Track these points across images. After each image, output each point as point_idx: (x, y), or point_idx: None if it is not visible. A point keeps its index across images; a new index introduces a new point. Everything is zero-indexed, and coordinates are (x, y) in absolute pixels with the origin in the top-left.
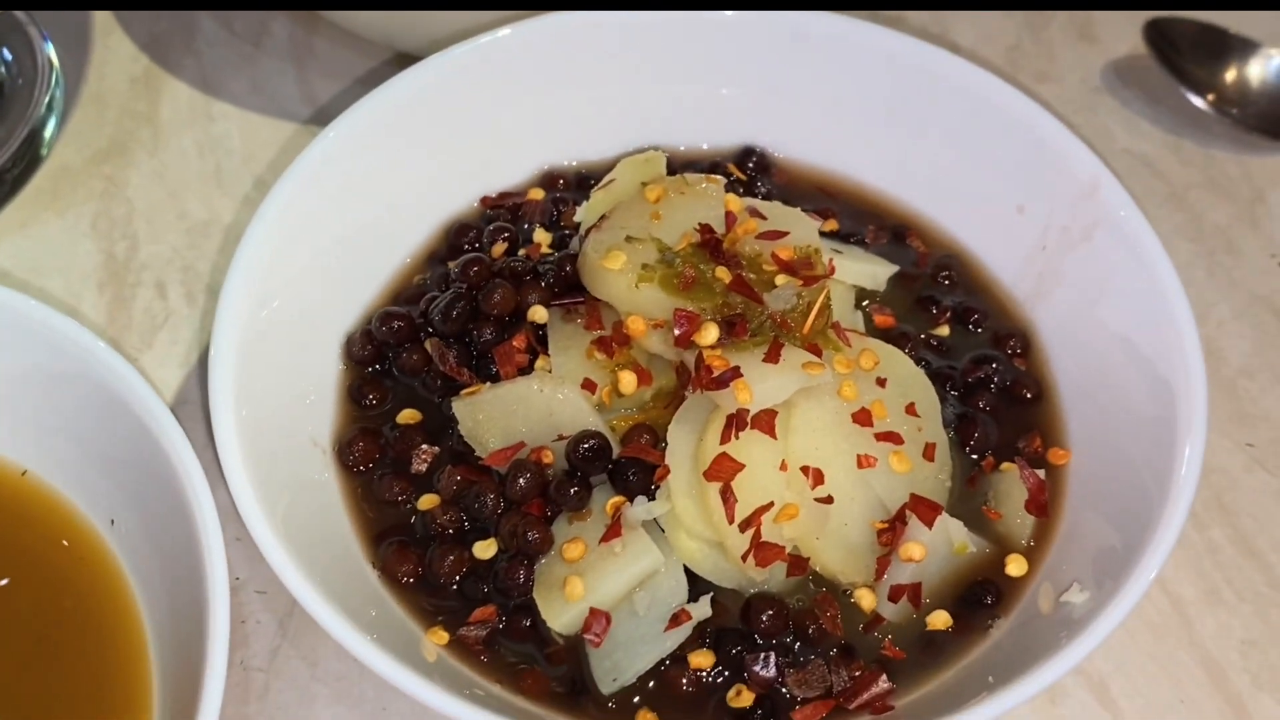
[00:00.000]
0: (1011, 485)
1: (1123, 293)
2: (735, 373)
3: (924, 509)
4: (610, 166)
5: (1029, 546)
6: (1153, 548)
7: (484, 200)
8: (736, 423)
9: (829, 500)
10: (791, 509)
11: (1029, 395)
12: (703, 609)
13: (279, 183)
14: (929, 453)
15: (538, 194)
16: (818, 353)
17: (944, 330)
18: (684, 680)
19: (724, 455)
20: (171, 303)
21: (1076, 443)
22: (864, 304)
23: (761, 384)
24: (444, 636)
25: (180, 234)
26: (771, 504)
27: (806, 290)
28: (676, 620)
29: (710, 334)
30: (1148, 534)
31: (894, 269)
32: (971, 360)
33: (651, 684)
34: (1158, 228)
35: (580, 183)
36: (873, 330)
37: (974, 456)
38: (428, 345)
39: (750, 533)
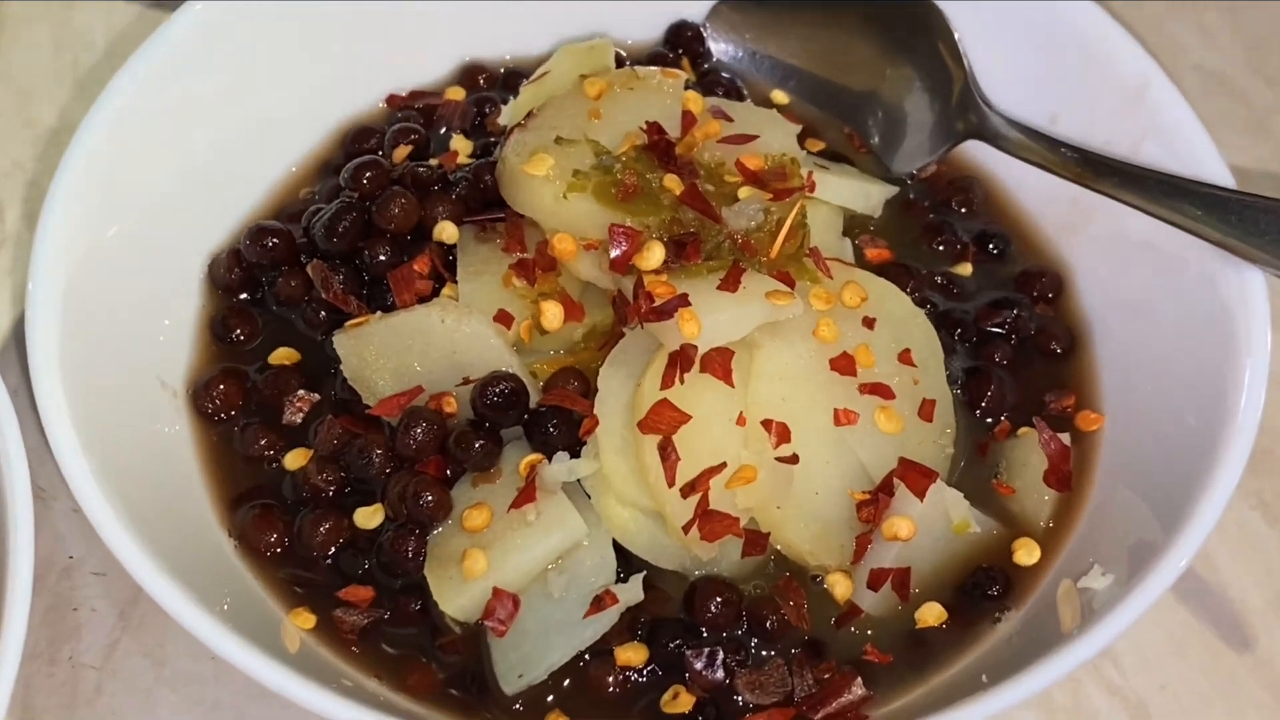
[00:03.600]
0: (1029, 453)
1: (1170, 234)
2: (682, 301)
3: (915, 476)
4: (546, 60)
5: (1047, 528)
6: (1192, 526)
7: (391, 100)
8: (682, 363)
9: (794, 460)
10: (748, 471)
11: (1057, 348)
12: (633, 592)
13: (122, 72)
14: (926, 411)
15: (457, 93)
16: (789, 283)
17: (957, 267)
18: (608, 679)
19: (665, 403)
20: (9, 225)
21: (1111, 406)
22: (854, 235)
23: (714, 315)
24: (310, 620)
25: (26, 144)
26: (724, 465)
27: (777, 206)
28: (600, 605)
29: (654, 255)
30: (1187, 510)
31: (893, 190)
32: (989, 304)
33: (567, 683)
34: (1235, 160)
35: (509, 80)
36: (865, 264)
37: (986, 420)
38: (309, 269)
39: (695, 499)
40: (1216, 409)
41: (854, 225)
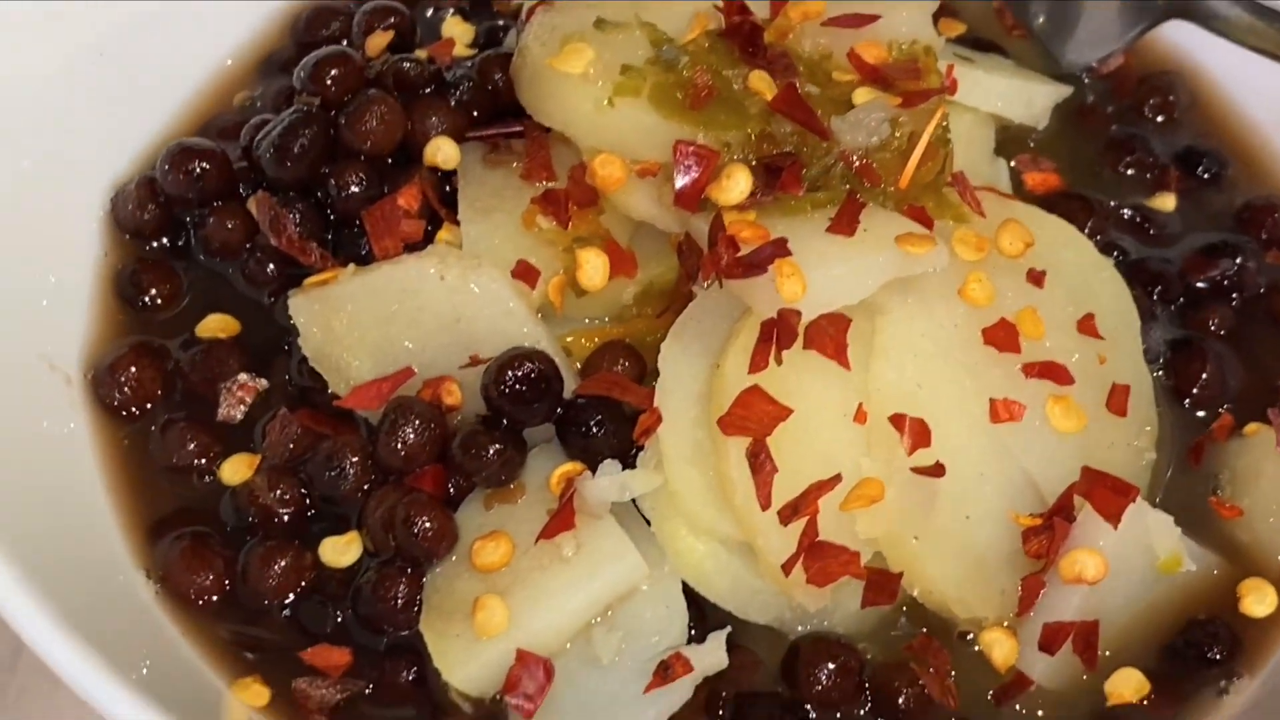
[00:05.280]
0: (1260, 459)
1: None
2: (779, 249)
3: (1105, 493)
4: None
5: None
6: None
7: None
8: (780, 335)
9: (937, 472)
10: (872, 487)
11: None
12: (713, 656)
13: None
14: (1117, 401)
15: None
16: (926, 222)
17: (1155, 199)
18: None
19: (756, 391)
20: None
21: None
22: (1011, 155)
23: (824, 269)
24: (262, 694)
25: None
26: (838, 478)
27: (907, 116)
28: (666, 674)
29: (737, 185)
30: None
31: (1064, 91)
32: (1200, 250)
33: None
34: None
35: None
36: (1025, 195)
37: (1199, 414)
38: (251, 204)
39: (799, 526)
40: None
41: (1010, 141)
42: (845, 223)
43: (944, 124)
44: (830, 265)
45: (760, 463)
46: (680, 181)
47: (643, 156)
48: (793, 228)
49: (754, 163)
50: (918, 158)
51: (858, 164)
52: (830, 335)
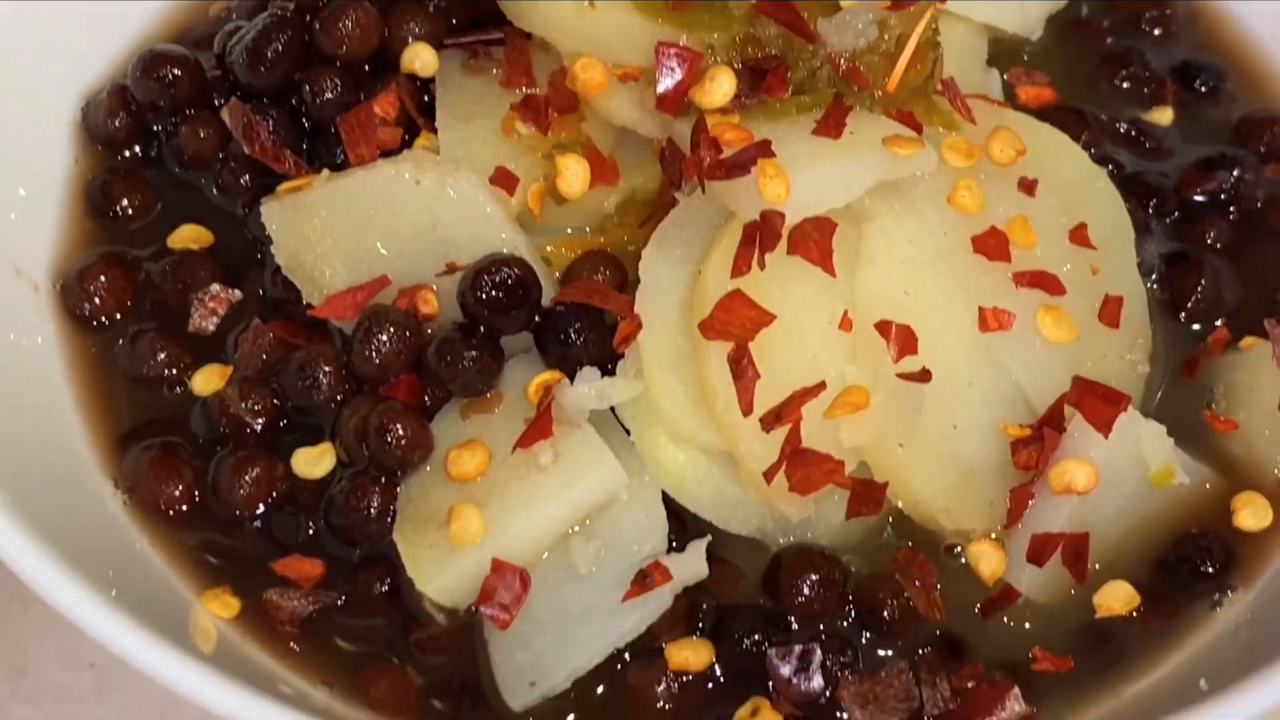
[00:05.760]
0: (1256, 374)
1: None
2: (762, 150)
3: (1096, 403)
4: None
5: None
6: None
7: None
8: (763, 238)
9: (924, 377)
10: (857, 394)
11: None
12: (693, 566)
13: None
14: (1109, 312)
15: None
16: (914, 127)
17: (1151, 113)
18: (657, 690)
19: (738, 296)
20: None
21: None
22: (1003, 68)
23: (809, 170)
24: (232, 605)
25: None
26: (822, 385)
27: (896, 18)
28: (645, 583)
29: (721, 88)
30: None
31: (1060, 2)
32: (1197, 164)
33: (600, 692)
34: None
35: None
36: (1018, 109)
37: (1194, 327)
38: (225, 113)
39: (782, 434)
40: None
41: (1003, 54)
42: (831, 125)
43: (933, 26)
44: (815, 167)
45: (742, 368)
46: (662, 84)
47: (625, 60)
48: (777, 131)
49: (738, 65)
50: (906, 60)
51: (844, 67)
52: (815, 240)
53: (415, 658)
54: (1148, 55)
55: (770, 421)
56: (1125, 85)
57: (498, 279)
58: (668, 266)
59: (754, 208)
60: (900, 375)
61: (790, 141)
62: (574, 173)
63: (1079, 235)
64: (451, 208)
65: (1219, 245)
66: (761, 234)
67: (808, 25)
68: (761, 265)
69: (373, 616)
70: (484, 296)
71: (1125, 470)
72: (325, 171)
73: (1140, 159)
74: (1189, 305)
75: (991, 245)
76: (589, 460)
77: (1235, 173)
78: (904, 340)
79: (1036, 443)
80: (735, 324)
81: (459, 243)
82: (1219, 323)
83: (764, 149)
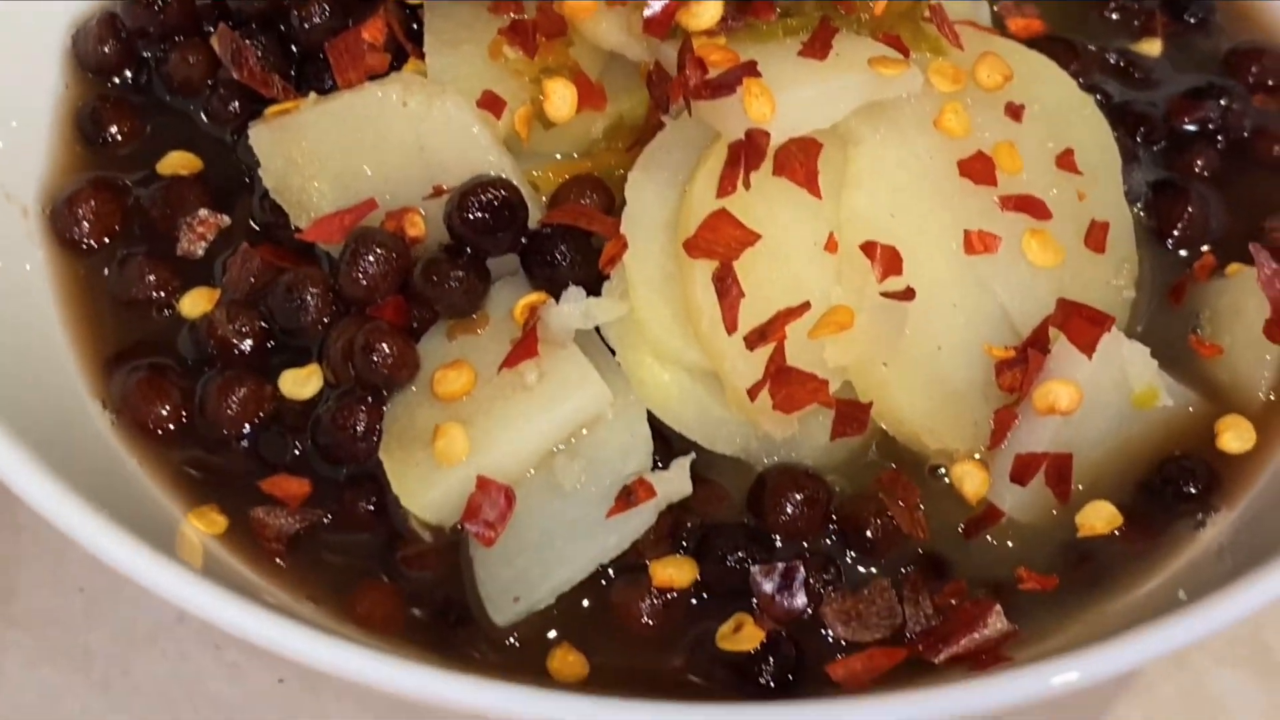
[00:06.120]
0: (1242, 298)
1: None
2: (748, 69)
3: (1080, 324)
4: None
5: (1268, 402)
6: None
7: None
8: (748, 157)
9: (908, 296)
10: (841, 314)
11: None
12: (677, 483)
13: None
14: (1095, 237)
15: None
16: (901, 50)
17: (1141, 44)
18: (641, 605)
19: (723, 215)
20: None
21: None
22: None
23: (794, 89)
24: (219, 522)
25: None
26: (807, 305)
27: None
28: (629, 500)
29: (708, 10)
30: None
31: None
32: (1185, 94)
33: (585, 606)
34: None
35: None
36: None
37: (1181, 253)
38: (214, 39)
39: (766, 353)
40: None
41: None
42: (818, 47)
43: None
44: (800, 87)
45: (727, 286)
46: (650, 7)
47: None
48: (764, 53)
49: None
50: None
51: None
52: (800, 161)
53: (401, 575)
54: None
55: (755, 340)
56: (1115, 17)
57: (484, 200)
58: (654, 188)
59: (739, 127)
60: (884, 294)
61: (776, 62)
62: (561, 96)
63: (1066, 161)
64: (438, 130)
65: (1207, 173)
66: (747, 153)
67: None
68: (747, 185)
69: (359, 534)
70: (470, 218)
71: (1109, 391)
72: (312, 95)
73: (1129, 89)
74: (1176, 232)
75: (978, 169)
76: (574, 379)
77: (1223, 102)
78: (889, 261)
79: (1021, 364)
80: (720, 243)
81: (446, 165)
82: (1205, 249)
83: (750, 69)
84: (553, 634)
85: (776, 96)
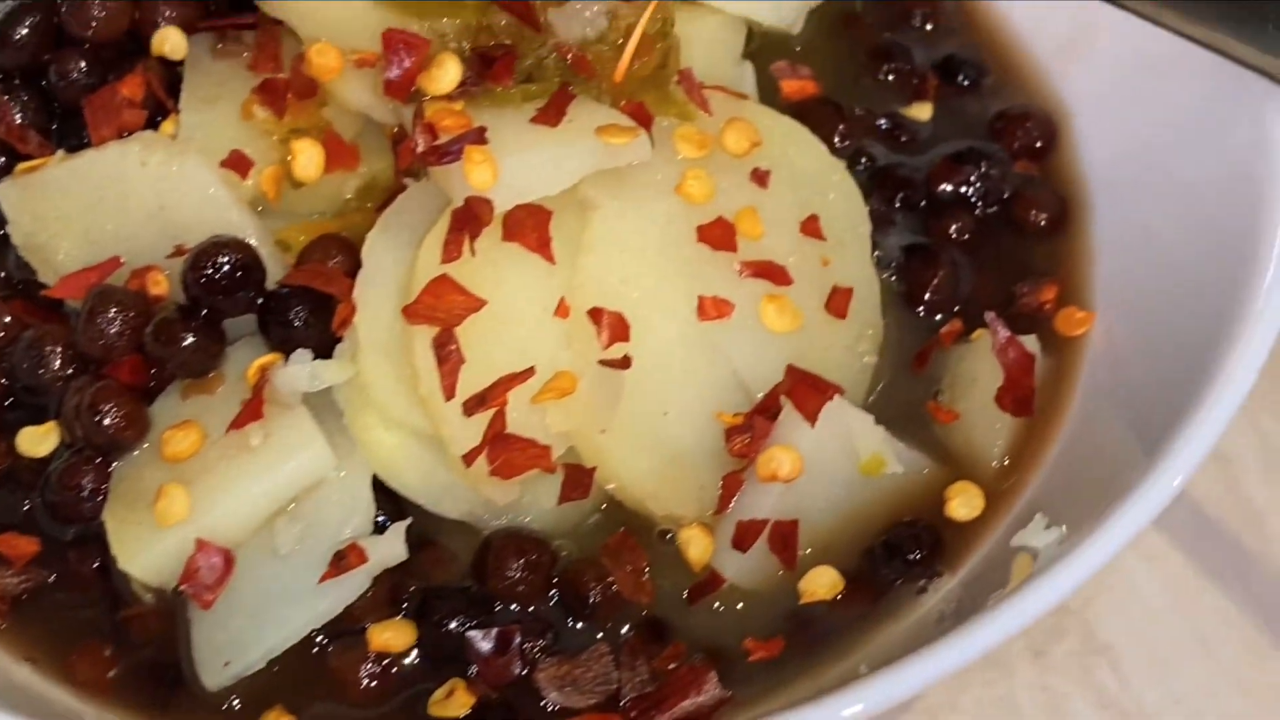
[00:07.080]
0: (979, 366)
1: (1196, 59)
2: (475, 136)
3: (805, 391)
4: None
5: (1000, 468)
6: (1189, 437)
7: None
8: (470, 224)
9: (624, 365)
10: (564, 380)
11: (1040, 219)
12: (389, 547)
13: None
14: (837, 303)
15: None
16: (644, 118)
17: (912, 107)
18: (358, 670)
19: (445, 281)
20: None
21: (1105, 300)
22: (770, 61)
23: (519, 155)
24: None
25: None
26: (531, 371)
27: (628, 9)
28: (341, 564)
29: (447, 74)
30: (1181, 425)
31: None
32: (949, 158)
33: (301, 672)
34: None
35: None
36: (781, 102)
37: (935, 319)
38: None
39: (485, 418)
40: (1235, 293)
41: (771, 47)
42: (551, 113)
43: (661, 18)
44: (524, 154)
45: (447, 353)
46: (391, 71)
47: (362, 46)
48: (500, 118)
49: (468, 53)
50: (630, 51)
51: (573, 57)
52: (530, 227)
53: (122, 637)
54: (914, 50)
55: (474, 405)
56: (890, 79)
57: (217, 261)
58: (390, 250)
59: (462, 193)
60: (601, 362)
61: (508, 128)
62: (308, 157)
63: (810, 227)
64: (177, 189)
65: (965, 238)
66: (468, 219)
67: (536, 15)
68: (472, 251)
69: (83, 595)
70: (202, 279)
71: (835, 459)
72: (60, 152)
73: (895, 152)
74: (925, 298)
75: (717, 235)
76: (296, 442)
77: (984, 167)
78: (615, 327)
79: (750, 430)
80: (442, 309)
81: (187, 225)
82: (955, 316)
83: (477, 135)
84: (269, 695)
85: (502, 163)
